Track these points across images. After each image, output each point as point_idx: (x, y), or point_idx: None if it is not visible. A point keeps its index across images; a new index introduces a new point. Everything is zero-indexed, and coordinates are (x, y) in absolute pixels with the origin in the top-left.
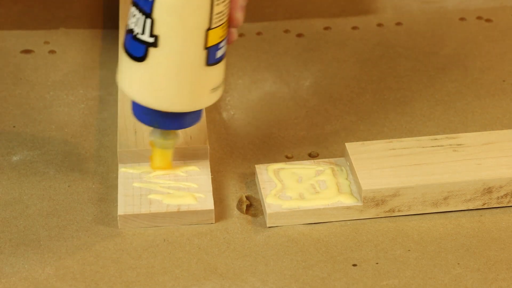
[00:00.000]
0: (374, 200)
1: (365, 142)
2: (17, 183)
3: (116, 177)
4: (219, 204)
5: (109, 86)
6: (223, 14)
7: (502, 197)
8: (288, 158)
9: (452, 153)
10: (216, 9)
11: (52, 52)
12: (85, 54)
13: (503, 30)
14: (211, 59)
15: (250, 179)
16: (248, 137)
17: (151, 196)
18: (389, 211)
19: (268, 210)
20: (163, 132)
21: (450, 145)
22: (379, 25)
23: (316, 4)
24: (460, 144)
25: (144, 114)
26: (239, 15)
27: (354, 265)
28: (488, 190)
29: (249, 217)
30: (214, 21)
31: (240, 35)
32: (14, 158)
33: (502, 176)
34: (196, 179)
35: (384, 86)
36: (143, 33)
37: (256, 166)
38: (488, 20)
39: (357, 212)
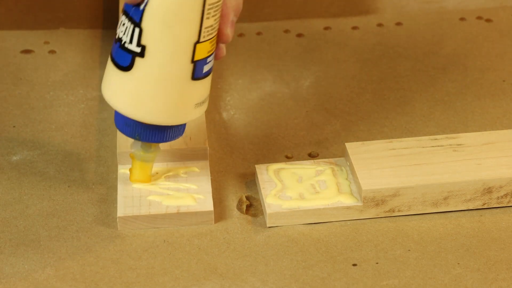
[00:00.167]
0: (374, 200)
1: (365, 142)
2: (17, 183)
3: (116, 178)
4: (219, 204)
5: None
6: (212, 29)
7: (502, 197)
8: (288, 158)
9: (452, 153)
10: (206, 23)
11: (52, 52)
12: (85, 54)
13: (503, 30)
14: (197, 73)
15: (250, 179)
16: (248, 137)
17: (151, 198)
18: (389, 211)
19: (268, 210)
20: (144, 144)
21: (450, 145)
22: (379, 25)
23: (316, 4)
24: (460, 144)
25: (126, 125)
26: (229, 31)
27: (354, 265)
28: (488, 190)
29: (249, 217)
30: (203, 34)
31: (240, 35)
32: (14, 158)
33: (502, 176)
34: (195, 180)
35: (384, 86)
36: (130, 42)
37: (256, 166)
38: (488, 20)
39: (357, 212)
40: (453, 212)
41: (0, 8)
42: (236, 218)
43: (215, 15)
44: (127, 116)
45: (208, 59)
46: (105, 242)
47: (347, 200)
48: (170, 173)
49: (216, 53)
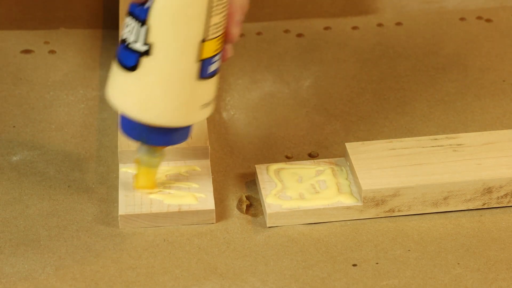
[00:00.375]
0: (374, 200)
1: (365, 142)
2: (17, 183)
3: (117, 177)
4: (219, 204)
5: None
6: (219, 26)
7: (502, 197)
8: (288, 158)
9: (452, 153)
10: (213, 20)
11: (52, 52)
12: (85, 54)
13: (503, 30)
14: (204, 73)
15: (250, 179)
16: (248, 137)
17: (152, 196)
18: (389, 211)
19: (268, 210)
20: (149, 149)
21: (450, 145)
22: (379, 25)
23: (316, 4)
24: (460, 144)
25: (131, 128)
26: (236, 31)
27: (354, 265)
28: (488, 190)
29: (249, 217)
30: (210, 32)
31: (240, 35)
32: (14, 158)
33: (502, 176)
34: (196, 179)
35: (384, 86)
36: (136, 41)
37: (256, 166)
38: (488, 20)
39: (357, 212)
40: (453, 212)
41: (0, 8)
42: (236, 218)
43: (222, 12)
44: (132, 117)
45: (215, 59)
46: (105, 241)
47: (347, 200)
48: (172, 172)
49: (222, 54)
